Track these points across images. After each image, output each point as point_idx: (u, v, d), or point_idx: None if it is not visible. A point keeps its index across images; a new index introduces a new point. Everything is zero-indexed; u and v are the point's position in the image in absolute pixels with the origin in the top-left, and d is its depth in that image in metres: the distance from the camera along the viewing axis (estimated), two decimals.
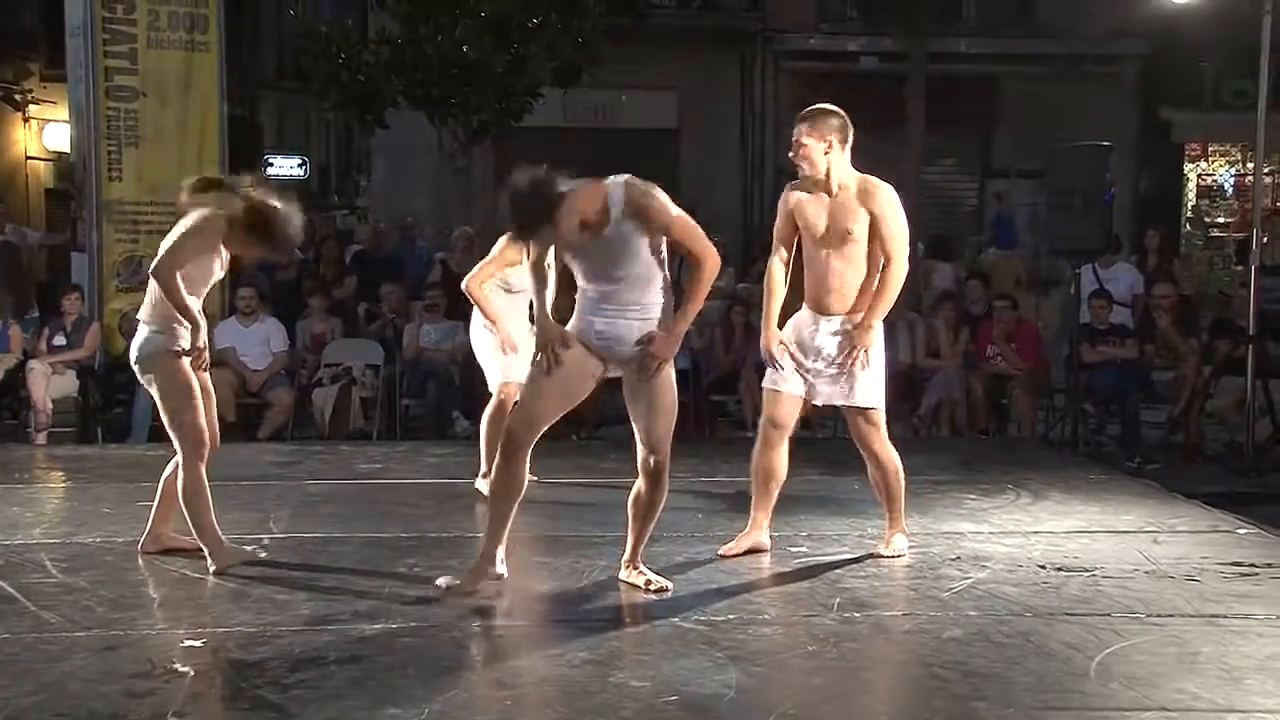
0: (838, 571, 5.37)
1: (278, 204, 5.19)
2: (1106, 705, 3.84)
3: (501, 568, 5.02)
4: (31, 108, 17.19)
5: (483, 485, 6.79)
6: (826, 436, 10.41)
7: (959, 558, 5.60)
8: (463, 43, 12.38)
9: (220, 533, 5.30)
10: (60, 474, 7.62)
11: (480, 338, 6.93)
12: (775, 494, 5.70)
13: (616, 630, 4.53)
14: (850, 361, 5.40)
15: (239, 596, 4.91)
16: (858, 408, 5.52)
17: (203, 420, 5.22)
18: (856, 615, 4.73)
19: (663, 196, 4.82)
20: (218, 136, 10.65)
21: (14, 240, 11.74)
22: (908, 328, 10.72)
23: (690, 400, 10.59)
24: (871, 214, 5.37)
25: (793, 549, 5.75)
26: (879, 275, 5.40)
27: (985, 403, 10.29)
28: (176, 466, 5.26)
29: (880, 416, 5.59)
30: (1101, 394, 9.90)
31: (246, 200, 5.16)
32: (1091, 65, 16.87)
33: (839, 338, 5.43)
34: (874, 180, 5.46)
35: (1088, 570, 5.37)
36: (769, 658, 4.25)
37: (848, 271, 5.40)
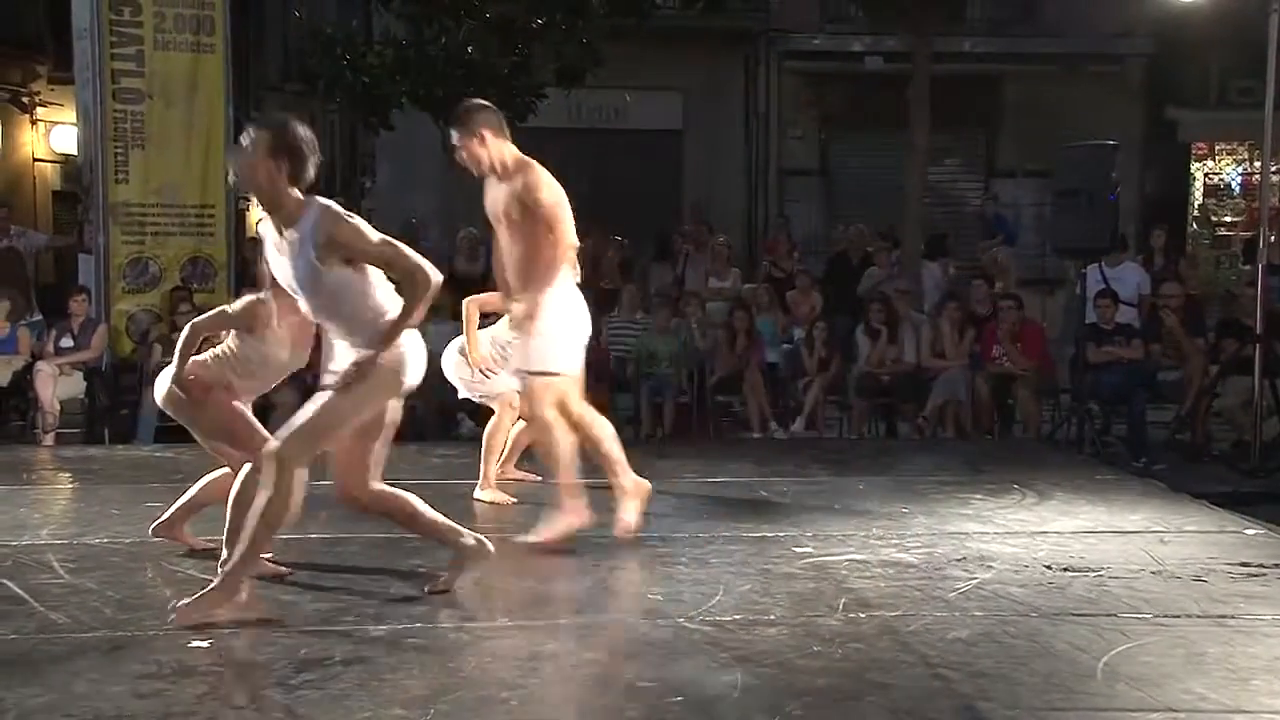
0: (843, 572, 5.36)
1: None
2: (1112, 706, 3.83)
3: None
4: (39, 110, 17.22)
5: (483, 494, 6.80)
6: (832, 437, 10.43)
7: (964, 558, 5.59)
8: (467, 44, 12.41)
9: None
10: (67, 475, 7.62)
11: (452, 353, 6.96)
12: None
13: (621, 631, 4.52)
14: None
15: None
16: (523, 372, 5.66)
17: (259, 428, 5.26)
18: (862, 616, 4.72)
19: (358, 223, 4.57)
20: (223, 138, 10.66)
21: (17, 245, 11.76)
22: (912, 328, 10.72)
23: (694, 401, 10.63)
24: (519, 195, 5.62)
25: (798, 549, 5.74)
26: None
27: (990, 403, 10.29)
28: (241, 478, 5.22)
29: (540, 383, 5.66)
30: (1107, 394, 9.89)
31: None
32: (1096, 65, 16.87)
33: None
34: (526, 161, 5.70)
35: (1094, 571, 5.36)
36: (774, 658, 4.24)
37: (513, 252, 5.69)
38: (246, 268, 9.62)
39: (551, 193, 5.65)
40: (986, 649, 4.33)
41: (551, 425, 5.75)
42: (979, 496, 6.99)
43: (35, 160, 17.54)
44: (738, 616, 4.70)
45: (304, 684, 3.99)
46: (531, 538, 5.79)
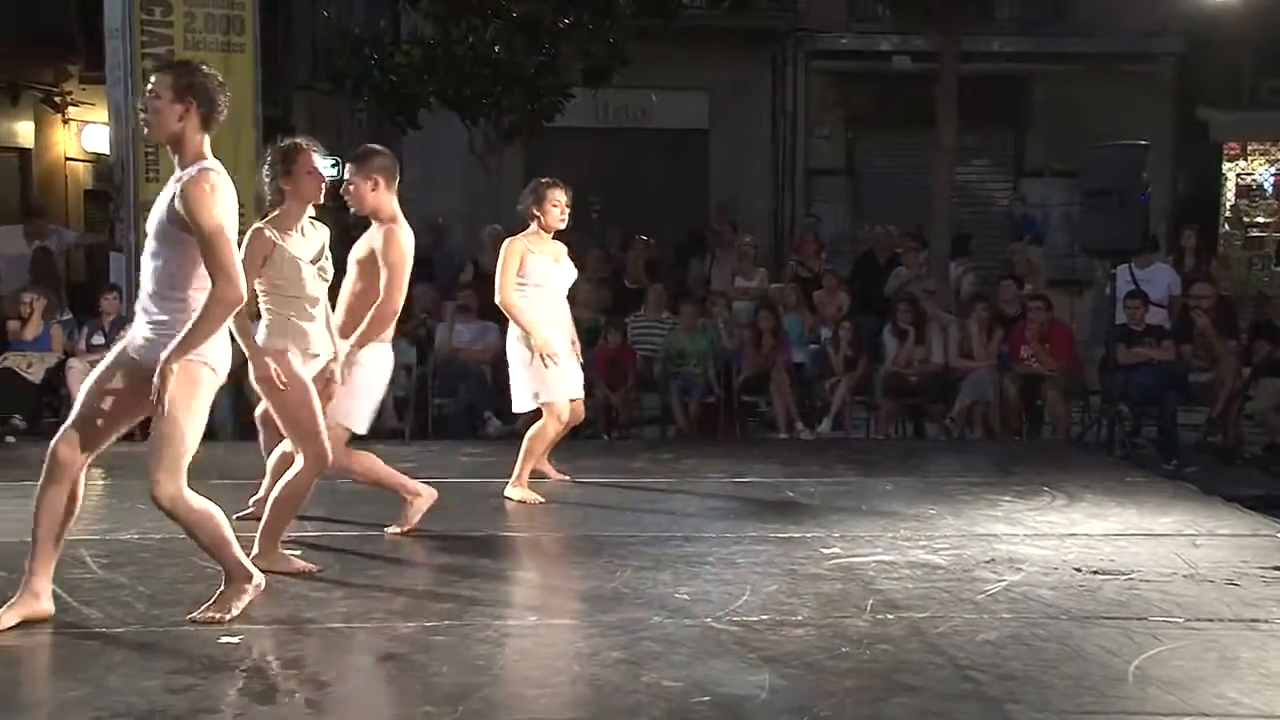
0: (871, 573, 5.35)
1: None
2: (1144, 710, 3.81)
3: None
4: (71, 109, 17.31)
5: (513, 492, 6.80)
6: (858, 437, 10.41)
7: (993, 560, 5.57)
8: (494, 44, 12.42)
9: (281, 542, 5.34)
10: (98, 471, 7.64)
11: (515, 351, 6.91)
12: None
13: (648, 630, 4.52)
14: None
15: (275, 594, 4.93)
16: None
17: (324, 429, 5.24)
18: (890, 617, 4.71)
19: (215, 198, 4.31)
20: (252, 137, 10.71)
21: (50, 245, 11.85)
22: (940, 329, 10.69)
23: (720, 401, 10.63)
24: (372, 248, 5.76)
25: (825, 550, 5.74)
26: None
27: (1019, 404, 10.25)
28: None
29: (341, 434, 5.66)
30: (1138, 396, 9.84)
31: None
32: (1126, 64, 16.75)
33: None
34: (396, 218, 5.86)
35: (1124, 573, 5.33)
36: (801, 659, 4.23)
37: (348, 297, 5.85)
38: None
39: (401, 254, 5.77)
40: (1016, 651, 4.31)
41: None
42: (1008, 498, 6.96)
43: (67, 159, 17.64)
44: (765, 617, 4.70)
45: (333, 681, 4.02)
46: (394, 529, 5.96)
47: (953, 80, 12.74)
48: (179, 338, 4.28)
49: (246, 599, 4.57)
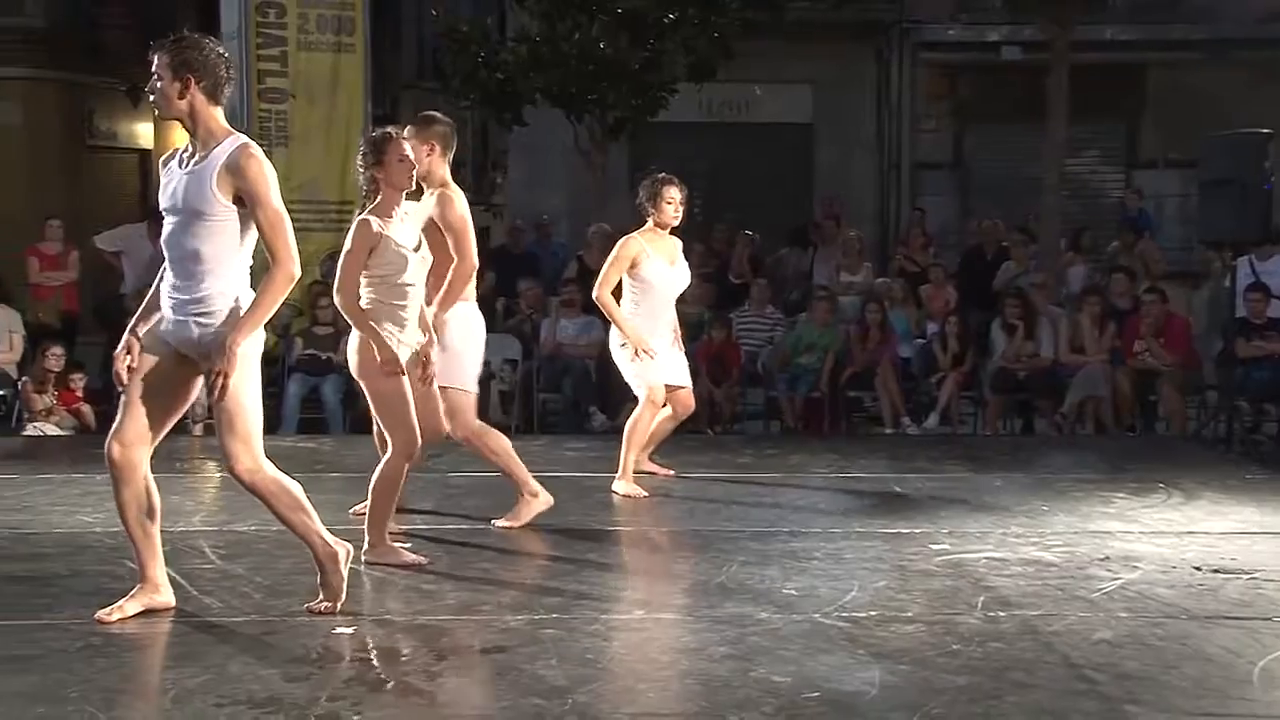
0: (981, 569, 5.28)
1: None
2: (1271, 713, 3.72)
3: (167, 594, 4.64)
4: None
5: (619, 486, 6.81)
6: (966, 433, 10.28)
7: (1108, 558, 5.46)
8: (600, 40, 12.46)
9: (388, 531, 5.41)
10: (215, 464, 7.84)
11: (616, 351, 6.95)
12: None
13: (756, 625, 4.51)
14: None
15: (387, 586, 5.02)
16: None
17: (414, 418, 5.30)
18: (1001, 614, 4.65)
19: (270, 173, 4.34)
20: (362, 136, 10.85)
21: None
22: (1050, 323, 10.51)
23: (826, 397, 10.56)
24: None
25: (934, 546, 5.67)
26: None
27: (1132, 399, 10.04)
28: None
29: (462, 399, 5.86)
30: (1257, 391, 9.59)
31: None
32: (1244, 50, 16.30)
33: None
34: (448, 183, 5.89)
35: (1247, 573, 5.20)
36: (911, 656, 4.20)
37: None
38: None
39: (460, 215, 5.85)
40: (1133, 651, 4.23)
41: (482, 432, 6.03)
42: (1122, 495, 6.82)
43: None
44: (874, 613, 4.66)
45: (445, 671, 4.07)
46: (502, 522, 5.98)
47: (1064, 71, 12.51)
48: (245, 316, 4.31)
49: (343, 575, 4.59)
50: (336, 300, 5.38)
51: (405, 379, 5.28)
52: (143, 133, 19.01)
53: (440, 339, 5.64)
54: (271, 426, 9.85)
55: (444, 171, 5.93)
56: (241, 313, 4.33)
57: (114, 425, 4.50)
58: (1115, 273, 11.50)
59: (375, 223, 5.25)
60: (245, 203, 4.30)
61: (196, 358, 4.40)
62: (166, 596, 4.60)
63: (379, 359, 5.21)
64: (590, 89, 12.68)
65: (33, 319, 10.76)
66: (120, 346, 4.48)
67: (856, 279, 12.05)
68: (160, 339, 4.46)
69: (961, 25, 16.97)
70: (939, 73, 17.29)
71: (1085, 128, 15.70)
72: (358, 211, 5.47)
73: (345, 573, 4.60)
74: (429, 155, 5.84)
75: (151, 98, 4.47)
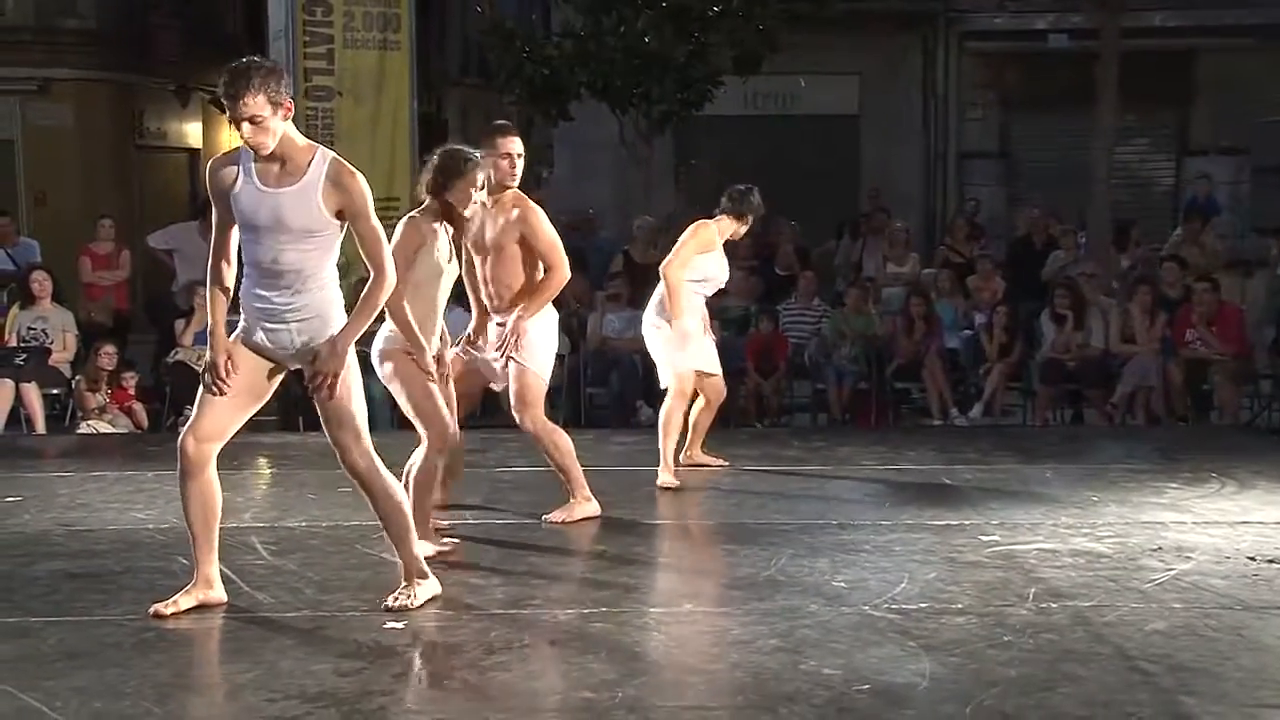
0: (1032, 561, 5.24)
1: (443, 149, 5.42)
2: None
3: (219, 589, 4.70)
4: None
5: (663, 478, 6.81)
6: (1015, 424, 10.20)
7: (1160, 548, 5.41)
8: (644, 33, 12.46)
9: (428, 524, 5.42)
10: (264, 460, 7.93)
11: (651, 333, 6.97)
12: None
13: (806, 618, 4.50)
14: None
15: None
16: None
17: (445, 412, 5.33)
18: (1053, 605, 4.62)
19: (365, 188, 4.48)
20: (408, 133, 10.92)
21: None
22: (1100, 313, 10.41)
23: (873, 388, 10.52)
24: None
25: (984, 537, 5.64)
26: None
27: (1184, 389, 9.93)
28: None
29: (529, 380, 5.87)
30: None
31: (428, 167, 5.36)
32: None
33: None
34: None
35: None
36: (963, 648, 4.17)
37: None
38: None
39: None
40: (1188, 642, 4.19)
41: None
42: (1174, 485, 6.75)
43: None
44: (924, 605, 4.64)
45: (495, 666, 4.08)
46: (554, 517, 5.99)
47: (1113, 58, 12.37)
48: (351, 321, 4.44)
49: (416, 597, 4.62)
50: None
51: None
52: (191, 132, 19.21)
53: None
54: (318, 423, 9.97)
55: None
56: (336, 318, 4.46)
57: (190, 420, 4.61)
58: (1166, 262, 11.37)
59: (424, 224, 5.26)
60: (345, 217, 4.41)
61: (297, 363, 4.52)
62: (219, 592, 4.66)
63: (416, 359, 5.21)
64: (635, 83, 12.68)
65: (85, 318, 10.88)
66: (217, 353, 4.50)
67: (903, 270, 11.99)
68: (248, 345, 4.54)
69: (1008, 14, 16.83)
70: (985, 62, 17.15)
71: (1134, 116, 15.52)
72: (409, 209, 5.48)
73: (419, 596, 4.63)
74: (510, 167, 5.80)
75: (249, 137, 4.39)
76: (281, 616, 4.57)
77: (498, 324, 5.88)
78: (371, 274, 4.47)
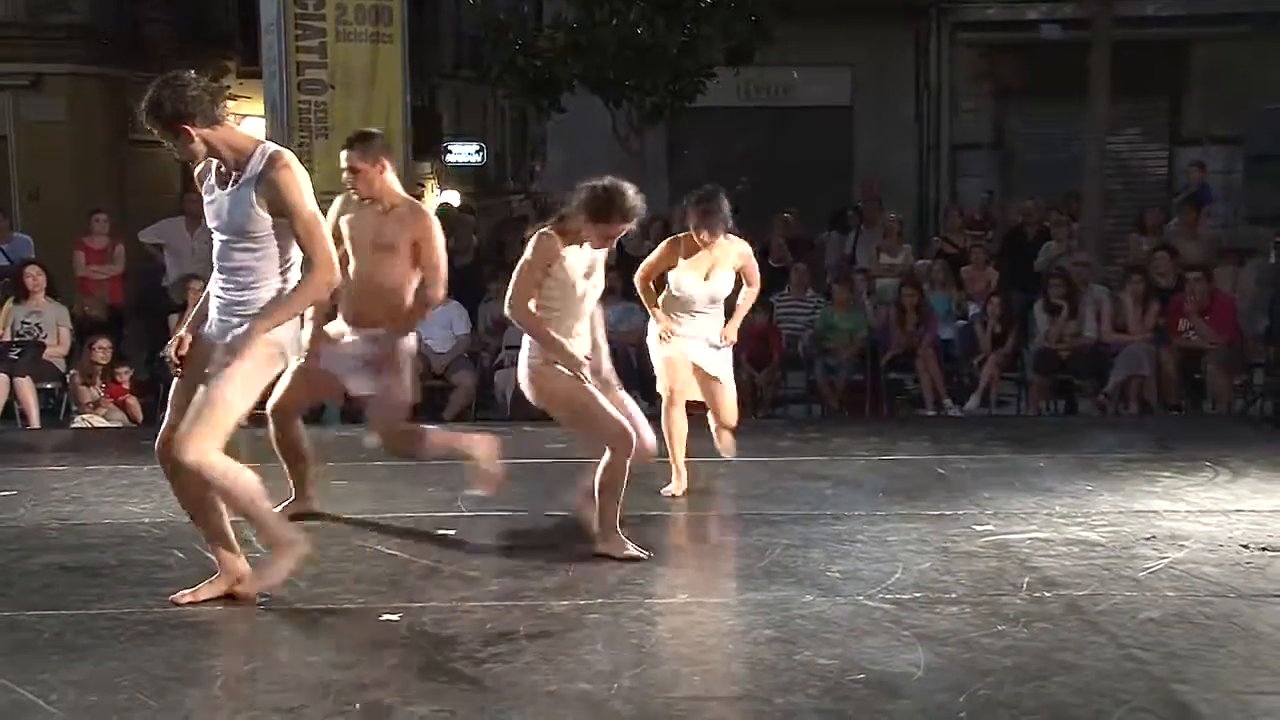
0: (1026, 550, 5.26)
1: (608, 182, 5.22)
2: None
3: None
4: (229, 104, 17.92)
5: (671, 486, 6.71)
6: (1009, 414, 10.21)
7: (1154, 537, 5.43)
8: (637, 25, 12.45)
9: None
10: (256, 453, 7.90)
11: (654, 343, 6.91)
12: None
13: (800, 608, 4.51)
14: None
15: (432, 574, 5.05)
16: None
17: (618, 415, 5.21)
18: (1047, 594, 4.63)
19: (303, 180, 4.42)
20: (401, 125, 10.91)
21: None
22: (1093, 303, 10.42)
23: (867, 380, 10.53)
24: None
25: (979, 527, 5.66)
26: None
27: (1177, 378, 9.94)
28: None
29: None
30: None
31: (579, 194, 5.19)
32: None
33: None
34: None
35: None
36: (957, 637, 4.19)
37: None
38: None
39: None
40: (1181, 630, 4.21)
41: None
42: (1168, 474, 6.77)
43: None
44: (918, 595, 4.66)
45: (491, 657, 4.09)
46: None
47: (1105, 48, 12.37)
48: (272, 307, 4.38)
49: (293, 562, 4.62)
50: (508, 312, 5.24)
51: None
52: None
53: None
54: (315, 417, 9.94)
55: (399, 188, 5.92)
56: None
57: (163, 426, 4.59)
58: (1158, 251, 11.37)
59: (558, 241, 5.15)
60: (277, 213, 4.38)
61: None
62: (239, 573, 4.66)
63: (565, 366, 5.14)
64: (628, 75, 12.68)
65: (80, 312, 10.87)
66: (173, 337, 4.55)
67: (896, 261, 12.00)
68: (205, 336, 4.53)
69: (1001, 4, 16.81)
70: (978, 53, 17.13)
71: (1127, 105, 15.49)
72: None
73: (295, 561, 4.64)
74: (380, 175, 5.78)
75: (176, 156, 4.51)
76: (278, 609, 4.58)
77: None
78: (313, 268, 4.41)
